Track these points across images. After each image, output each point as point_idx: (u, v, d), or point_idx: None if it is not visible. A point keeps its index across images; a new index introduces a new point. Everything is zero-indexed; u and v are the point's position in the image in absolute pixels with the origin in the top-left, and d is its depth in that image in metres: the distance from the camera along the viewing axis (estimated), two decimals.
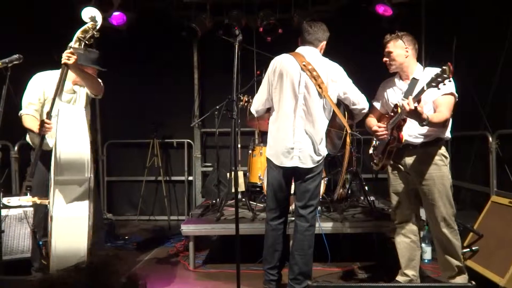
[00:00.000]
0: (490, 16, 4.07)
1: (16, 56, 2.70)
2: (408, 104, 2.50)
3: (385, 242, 4.25)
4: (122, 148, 5.95)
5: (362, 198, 4.45)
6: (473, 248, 3.13)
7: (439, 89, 2.41)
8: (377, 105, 3.10)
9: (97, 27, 2.73)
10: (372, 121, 3.05)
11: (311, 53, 2.93)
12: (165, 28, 5.48)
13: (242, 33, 2.86)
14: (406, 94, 2.74)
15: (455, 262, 2.81)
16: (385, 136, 2.83)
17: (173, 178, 5.90)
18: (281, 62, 2.91)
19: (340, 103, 2.99)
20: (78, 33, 2.71)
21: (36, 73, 3.09)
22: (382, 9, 4.97)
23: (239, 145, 4.82)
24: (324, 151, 2.94)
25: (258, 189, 4.40)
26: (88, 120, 3.12)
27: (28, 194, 3.69)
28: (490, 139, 3.78)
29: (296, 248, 2.91)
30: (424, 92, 2.49)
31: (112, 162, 5.97)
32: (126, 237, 4.69)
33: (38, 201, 2.73)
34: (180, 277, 3.53)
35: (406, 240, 3.01)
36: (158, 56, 5.64)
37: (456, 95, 2.72)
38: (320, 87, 2.82)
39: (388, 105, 2.96)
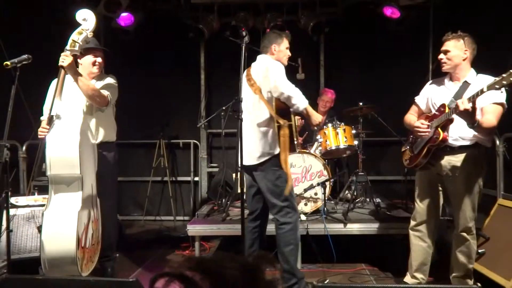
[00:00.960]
0: (499, 19, 4.06)
1: (25, 56, 2.73)
2: (462, 103, 2.44)
3: (391, 243, 4.25)
4: (129, 148, 5.97)
5: (367, 200, 4.44)
6: (480, 251, 3.12)
7: (502, 92, 2.36)
8: (420, 102, 3.04)
9: (91, 29, 2.77)
10: (412, 118, 3.02)
11: (257, 61, 3.05)
12: (172, 29, 5.51)
13: (249, 35, 2.88)
14: (456, 96, 2.68)
15: (466, 265, 2.85)
16: (427, 133, 2.80)
17: (179, 178, 5.92)
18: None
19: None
20: (73, 35, 2.75)
21: (38, 76, 3.13)
22: (390, 12, 4.97)
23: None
24: (267, 148, 2.89)
25: None
26: (101, 118, 3.15)
27: (36, 193, 3.75)
28: (498, 142, 3.76)
29: (277, 247, 2.98)
30: (483, 94, 2.39)
31: (118, 162, 5.98)
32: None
33: (44, 202, 2.79)
34: None
35: (422, 245, 3.00)
36: (165, 57, 5.67)
37: (506, 106, 2.66)
38: (253, 86, 2.93)
39: (432, 104, 2.92)
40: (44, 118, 3.01)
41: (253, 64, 3.06)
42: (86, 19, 2.76)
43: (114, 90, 3.20)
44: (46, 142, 2.58)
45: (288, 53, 3.10)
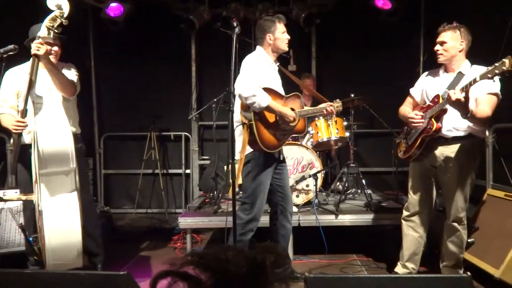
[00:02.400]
0: (489, 9, 4.07)
1: (11, 46, 2.65)
2: (454, 93, 2.44)
3: (383, 234, 4.29)
4: (119, 141, 5.93)
5: (359, 191, 4.46)
6: (469, 240, 3.15)
7: (494, 81, 2.35)
8: (414, 94, 3.04)
9: (65, 15, 2.63)
10: (407, 109, 3.02)
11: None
12: (162, 20, 5.45)
13: (240, 26, 2.84)
14: (450, 87, 2.68)
15: (456, 254, 2.89)
16: (421, 124, 2.80)
17: (171, 171, 5.89)
18: None
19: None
20: (46, 22, 2.62)
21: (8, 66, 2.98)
22: (381, 3, 4.96)
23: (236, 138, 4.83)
24: (239, 146, 2.89)
25: None
26: (71, 108, 3.05)
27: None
28: (487, 133, 3.79)
29: None
30: (476, 83, 2.39)
31: (109, 155, 5.95)
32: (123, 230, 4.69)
33: (24, 198, 2.71)
34: None
35: (414, 235, 3.03)
36: (156, 48, 5.61)
37: (500, 96, 2.66)
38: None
39: (426, 95, 2.92)
40: (2, 112, 2.91)
41: None
42: (60, 4, 2.62)
43: (77, 78, 3.09)
44: (38, 135, 2.46)
45: (286, 36, 2.95)
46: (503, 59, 2.25)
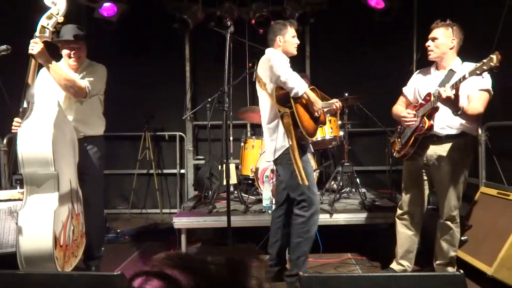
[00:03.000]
0: (482, 10, 4.09)
1: (4, 47, 2.65)
2: (444, 91, 2.45)
3: (377, 233, 4.30)
4: (114, 141, 5.88)
5: (353, 190, 4.48)
6: (463, 238, 3.17)
7: (483, 77, 2.35)
8: (407, 92, 3.06)
9: (61, 13, 2.61)
10: (399, 108, 3.03)
11: (264, 55, 3.03)
12: (156, 20, 5.43)
13: (234, 25, 2.86)
14: (442, 85, 2.68)
15: (450, 253, 2.90)
16: (414, 123, 2.81)
17: (165, 171, 5.88)
18: None
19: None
20: (42, 20, 2.60)
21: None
22: (375, 2, 4.98)
23: (231, 138, 4.83)
24: (281, 142, 2.90)
25: (250, 181, 4.41)
26: (84, 111, 3.06)
27: (18, 187, 3.67)
28: (480, 131, 3.81)
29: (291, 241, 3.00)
30: (465, 80, 2.40)
31: (104, 157, 5.91)
32: (118, 230, 4.67)
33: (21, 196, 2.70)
34: None
35: (408, 232, 3.05)
36: (149, 48, 5.59)
37: (492, 92, 2.68)
38: (260, 83, 2.98)
39: (418, 94, 2.93)
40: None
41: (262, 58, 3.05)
42: (55, 2, 2.59)
43: (97, 80, 3.03)
44: (18, 137, 2.45)
45: (296, 41, 3.04)
46: (491, 55, 2.27)
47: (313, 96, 2.88)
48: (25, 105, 2.57)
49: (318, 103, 2.90)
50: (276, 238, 3.13)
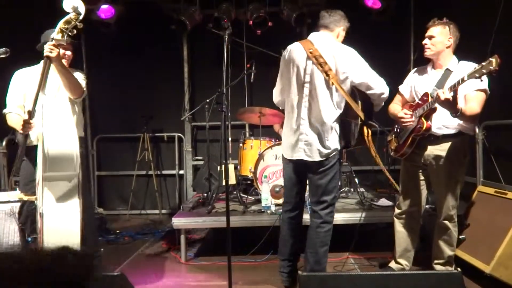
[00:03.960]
0: (478, 10, 4.12)
1: (2, 49, 2.66)
2: (443, 93, 2.46)
3: (376, 232, 4.32)
4: (112, 142, 5.92)
5: (352, 189, 4.50)
6: (460, 237, 3.19)
7: (482, 80, 2.36)
8: (403, 91, 3.07)
9: (80, 18, 2.60)
10: (396, 107, 3.04)
11: (322, 38, 2.76)
12: (154, 21, 5.44)
13: (232, 26, 2.86)
14: (439, 84, 2.71)
15: (448, 252, 2.92)
16: (411, 123, 2.83)
17: (164, 172, 5.89)
18: (290, 51, 2.78)
19: (354, 91, 2.79)
20: (61, 24, 2.58)
21: (20, 67, 3.02)
22: (371, 2, 5.00)
23: (229, 139, 4.84)
24: (334, 144, 2.74)
25: (249, 182, 4.42)
26: (76, 112, 3.08)
27: (18, 189, 3.68)
28: (477, 130, 3.83)
29: (309, 246, 2.82)
30: (464, 83, 2.42)
31: (102, 156, 5.93)
32: (118, 231, 4.68)
33: (25, 198, 2.70)
34: (171, 270, 3.54)
35: (406, 232, 3.08)
36: (148, 50, 5.60)
37: (489, 92, 2.69)
38: (327, 75, 2.62)
39: (415, 92, 2.95)
40: (8, 111, 2.92)
41: (316, 41, 2.74)
42: (76, 7, 2.57)
43: (84, 84, 3.12)
44: (44, 137, 2.44)
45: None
46: (490, 59, 2.28)
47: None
48: (37, 105, 2.55)
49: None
50: (287, 241, 2.96)
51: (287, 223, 2.97)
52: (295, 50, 2.77)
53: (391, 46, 5.41)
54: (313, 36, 2.81)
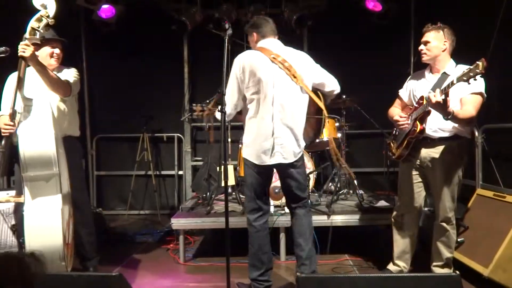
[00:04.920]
0: (479, 11, 4.13)
1: (2, 48, 2.64)
2: (434, 96, 2.48)
3: (375, 234, 4.32)
4: (112, 142, 5.91)
5: (351, 191, 4.50)
6: (459, 239, 3.19)
7: (469, 83, 2.36)
8: (403, 95, 3.09)
9: (51, 15, 2.56)
10: (395, 111, 3.06)
11: (276, 45, 2.85)
12: (154, 22, 5.45)
13: (232, 27, 2.86)
14: (435, 88, 2.71)
15: (446, 254, 2.92)
16: (406, 126, 2.85)
17: (163, 172, 5.89)
18: (249, 59, 2.78)
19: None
20: (32, 23, 2.55)
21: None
22: (372, 5, 5.01)
23: (229, 139, 4.84)
24: (303, 143, 2.86)
25: None
26: (67, 112, 3.05)
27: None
28: (476, 133, 3.84)
29: (300, 235, 2.86)
30: (453, 86, 2.43)
31: (101, 156, 5.93)
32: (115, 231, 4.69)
33: (12, 199, 2.70)
34: (170, 270, 3.54)
35: (404, 234, 3.07)
36: (148, 50, 5.60)
37: (485, 95, 2.70)
38: (294, 77, 2.76)
39: (413, 97, 2.96)
40: (2, 113, 2.88)
41: (273, 47, 2.82)
42: (45, 4, 2.55)
43: (76, 81, 3.05)
44: (19, 139, 2.45)
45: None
46: (477, 62, 2.31)
47: None
48: (17, 106, 2.53)
49: None
50: (264, 251, 2.87)
51: (263, 229, 2.87)
52: (256, 58, 2.78)
53: (391, 49, 5.42)
54: (265, 44, 2.85)
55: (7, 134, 2.58)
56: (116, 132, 5.81)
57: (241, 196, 4.25)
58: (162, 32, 5.38)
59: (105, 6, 4.98)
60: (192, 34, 5.55)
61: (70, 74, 3.05)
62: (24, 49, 2.53)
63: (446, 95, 2.47)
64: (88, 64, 5.73)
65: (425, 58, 2.86)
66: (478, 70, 2.30)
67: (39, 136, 2.49)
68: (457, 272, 1.81)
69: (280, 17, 5.22)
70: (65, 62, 3.18)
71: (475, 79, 2.35)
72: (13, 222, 3.30)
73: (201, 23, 5.26)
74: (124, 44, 5.55)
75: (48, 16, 2.57)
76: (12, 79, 2.94)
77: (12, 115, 2.53)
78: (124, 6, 5.13)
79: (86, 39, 5.69)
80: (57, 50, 2.97)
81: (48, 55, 2.93)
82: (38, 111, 2.57)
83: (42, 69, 2.71)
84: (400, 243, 3.08)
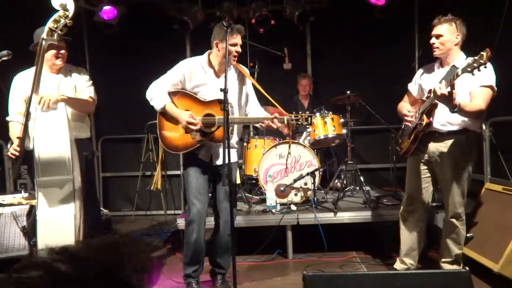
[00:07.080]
0: (482, 3, 4.07)
1: (5, 52, 2.64)
2: (440, 88, 2.43)
3: (382, 231, 4.28)
4: (117, 143, 5.92)
5: (357, 188, 4.46)
6: (468, 235, 3.15)
7: (473, 74, 2.31)
8: (412, 89, 3.03)
9: (70, 15, 2.53)
10: (404, 105, 3.01)
11: None
12: (156, 22, 5.44)
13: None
14: (442, 81, 2.64)
15: (455, 251, 2.87)
16: (413, 120, 2.81)
17: (169, 172, 5.88)
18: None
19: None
20: (49, 23, 2.52)
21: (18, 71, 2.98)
22: None
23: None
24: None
25: (253, 181, 4.40)
26: (80, 114, 3.07)
27: (23, 192, 3.69)
28: (484, 127, 3.79)
29: (225, 228, 3.01)
30: (458, 78, 2.38)
31: (107, 158, 5.94)
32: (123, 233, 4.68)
33: (24, 202, 2.70)
34: (176, 270, 3.52)
35: (412, 230, 3.03)
36: (150, 50, 5.59)
37: (495, 88, 2.63)
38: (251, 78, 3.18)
39: (423, 90, 2.91)
40: (9, 119, 2.89)
41: None
42: (64, 4, 2.51)
43: (93, 89, 3.09)
44: (34, 142, 2.43)
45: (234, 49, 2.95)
46: (482, 52, 2.27)
47: (175, 112, 2.95)
48: (32, 109, 2.53)
49: (181, 119, 2.89)
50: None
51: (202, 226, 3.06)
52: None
53: (395, 43, 5.36)
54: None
55: (13, 158, 2.58)
56: (121, 133, 5.82)
57: (247, 194, 4.24)
58: (164, 32, 5.37)
59: (106, 8, 4.97)
60: (194, 33, 5.53)
61: (84, 85, 3.04)
62: (48, 99, 2.53)
63: (452, 87, 2.42)
64: (91, 66, 5.73)
65: (437, 53, 2.77)
66: (482, 61, 2.25)
67: (55, 139, 2.47)
68: (467, 268, 1.77)
69: (282, 13, 5.19)
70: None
71: (479, 70, 2.30)
72: (24, 224, 3.32)
73: (202, 22, 5.24)
74: (127, 45, 5.54)
75: (66, 17, 2.53)
76: (19, 80, 2.92)
77: (27, 116, 2.53)
78: (125, 7, 5.13)
79: (88, 41, 5.69)
80: (62, 51, 2.94)
81: (53, 56, 2.89)
82: (54, 114, 2.55)
83: (69, 100, 2.76)
84: (408, 239, 3.04)
